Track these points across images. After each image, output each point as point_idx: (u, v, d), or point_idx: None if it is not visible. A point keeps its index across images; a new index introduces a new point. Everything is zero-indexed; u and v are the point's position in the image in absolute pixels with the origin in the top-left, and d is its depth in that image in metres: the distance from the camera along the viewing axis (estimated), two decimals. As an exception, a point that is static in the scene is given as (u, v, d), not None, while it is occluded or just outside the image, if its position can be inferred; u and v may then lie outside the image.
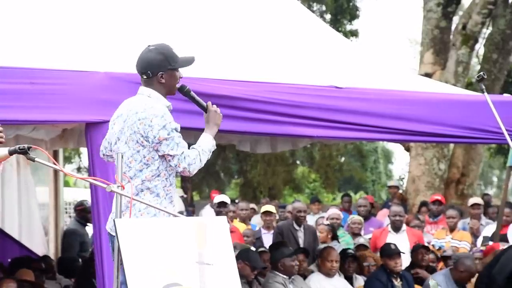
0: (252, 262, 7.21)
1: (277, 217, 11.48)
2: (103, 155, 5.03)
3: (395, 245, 8.02)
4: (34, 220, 9.82)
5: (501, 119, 5.95)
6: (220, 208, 10.02)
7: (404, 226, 9.26)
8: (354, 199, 19.47)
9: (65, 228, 10.71)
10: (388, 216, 9.47)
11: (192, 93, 4.86)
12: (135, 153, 4.65)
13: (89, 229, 10.93)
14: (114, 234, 4.66)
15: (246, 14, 7.54)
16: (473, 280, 7.90)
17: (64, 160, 18.18)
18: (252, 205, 14.06)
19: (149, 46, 4.79)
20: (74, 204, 11.58)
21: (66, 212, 13.01)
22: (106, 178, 4.64)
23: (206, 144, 4.72)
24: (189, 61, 4.84)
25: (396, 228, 9.13)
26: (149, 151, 4.63)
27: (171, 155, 4.60)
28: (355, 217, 10.25)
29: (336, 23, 22.64)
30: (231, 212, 10.15)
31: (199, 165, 4.67)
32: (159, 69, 4.72)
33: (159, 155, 4.63)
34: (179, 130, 4.67)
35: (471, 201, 11.82)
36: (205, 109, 4.84)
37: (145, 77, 4.74)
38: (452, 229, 9.94)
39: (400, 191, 16.30)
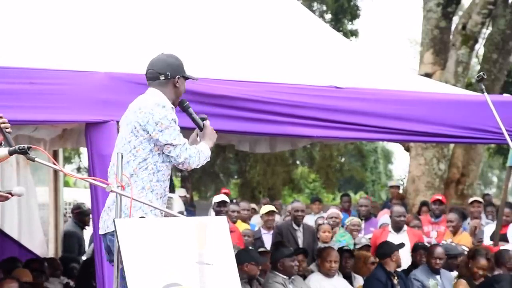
0: (255, 259, 7.26)
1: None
2: None
3: (390, 243, 8.12)
4: (33, 220, 9.81)
5: (501, 119, 5.96)
6: (220, 208, 9.97)
7: (405, 227, 9.28)
8: (354, 199, 19.44)
9: (64, 229, 10.70)
10: (390, 216, 9.48)
11: (191, 110, 4.88)
12: (126, 143, 4.63)
13: (86, 232, 10.99)
14: (103, 233, 4.66)
15: (246, 14, 7.54)
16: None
17: (64, 160, 18.17)
18: (253, 205, 14.05)
19: (163, 53, 4.82)
20: (72, 207, 11.58)
21: (66, 213, 13.00)
22: (106, 178, 4.64)
23: (204, 149, 4.73)
24: (192, 77, 4.89)
25: (398, 228, 9.15)
26: (141, 142, 4.60)
27: (173, 145, 4.58)
28: (354, 219, 10.30)
29: (336, 23, 22.64)
30: (235, 212, 10.11)
31: (197, 162, 4.66)
32: (178, 72, 4.76)
33: (151, 148, 4.60)
34: (177, 123, 4.68)
35: (471, 199, 11.81)
36: (201, 127, 4.85)
37: (162, 78, 4.72)
38: (454, 232, 9.91)
39: (400, 191, 16.28)
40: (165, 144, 4.59)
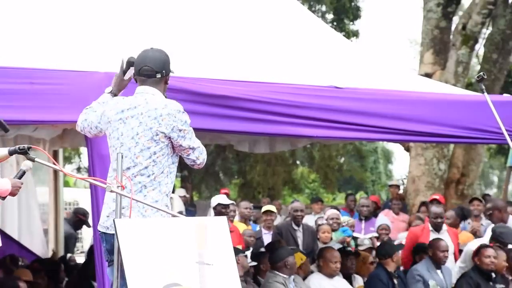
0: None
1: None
2: (83, 128, 4.96)
3: (391, 243, 8.10)
4: (34, 220, 9.82)
5: (501, 119, 5.96)
6: (226, 209, 9.86)
7: (445, 226, 9.22)
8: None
9: (63, 229, 10.74)
10: (428, 217, 9.50)
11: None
12: (145, 149, 4.63)
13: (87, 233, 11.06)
14: (106, 232, 4.67)
15: (246, 14, 7.54)
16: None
17: (64, 160, 18.18)
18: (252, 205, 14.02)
19: (152, 48, 4.80)
20: (74, 209, 11.65)
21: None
22: (106, 178, 4.65)
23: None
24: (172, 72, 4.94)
25: (437, 228, 9.14)
26: (161, 148, 4.64)
27: (194, 148, 4.69)
28: (351, 220, 10.49)
29: (338, 23, 22.65)
30: (232, 212, 10.07)
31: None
32: (169, 69, 4.80)
33: (168, 153, 4.65)
34: None
35: (471, 198, 11.79)
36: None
37: (159, 76, 4.73)
38: None
39: (400, 191, 16.27)
40: (185, 148, 4.68)
